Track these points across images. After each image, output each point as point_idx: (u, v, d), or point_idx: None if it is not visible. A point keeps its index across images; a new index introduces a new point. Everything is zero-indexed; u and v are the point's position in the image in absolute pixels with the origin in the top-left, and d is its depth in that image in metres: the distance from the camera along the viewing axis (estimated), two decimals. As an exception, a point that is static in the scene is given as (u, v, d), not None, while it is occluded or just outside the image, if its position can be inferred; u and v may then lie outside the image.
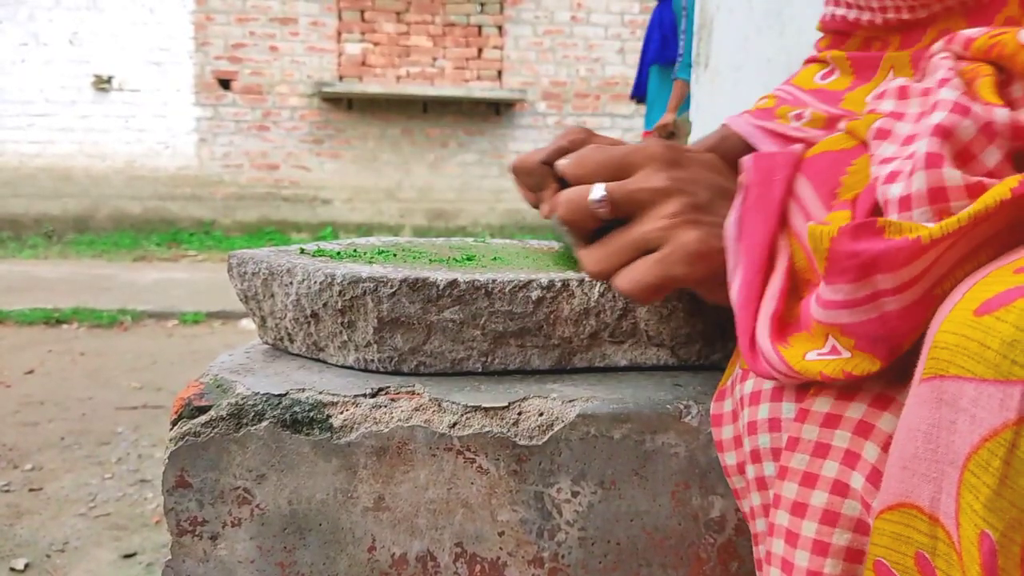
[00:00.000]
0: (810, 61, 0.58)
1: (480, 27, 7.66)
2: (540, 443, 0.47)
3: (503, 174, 7.84)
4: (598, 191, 0.44)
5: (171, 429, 0.47)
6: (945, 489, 0.26)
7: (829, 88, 0.54)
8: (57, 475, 1.94)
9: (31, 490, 1.85)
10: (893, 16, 0.51)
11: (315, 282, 0.50)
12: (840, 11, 0.54)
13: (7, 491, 1.84)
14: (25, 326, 3.78)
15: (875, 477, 0.32)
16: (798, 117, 0.51)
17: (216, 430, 0.46)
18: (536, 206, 0.56)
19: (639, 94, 4.33)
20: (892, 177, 0.34)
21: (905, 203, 0.33)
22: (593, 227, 0.46)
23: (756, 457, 0.38)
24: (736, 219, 0.41)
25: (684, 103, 3.79)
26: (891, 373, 0.33)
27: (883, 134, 0.38)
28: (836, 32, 0.56)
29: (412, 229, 7.79)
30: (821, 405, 0.34)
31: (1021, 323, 0.24)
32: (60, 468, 1.98)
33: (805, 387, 0.36)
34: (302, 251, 0.57)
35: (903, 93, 0.39)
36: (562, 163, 0.49)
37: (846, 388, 0.34)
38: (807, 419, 0.35)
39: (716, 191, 0.44)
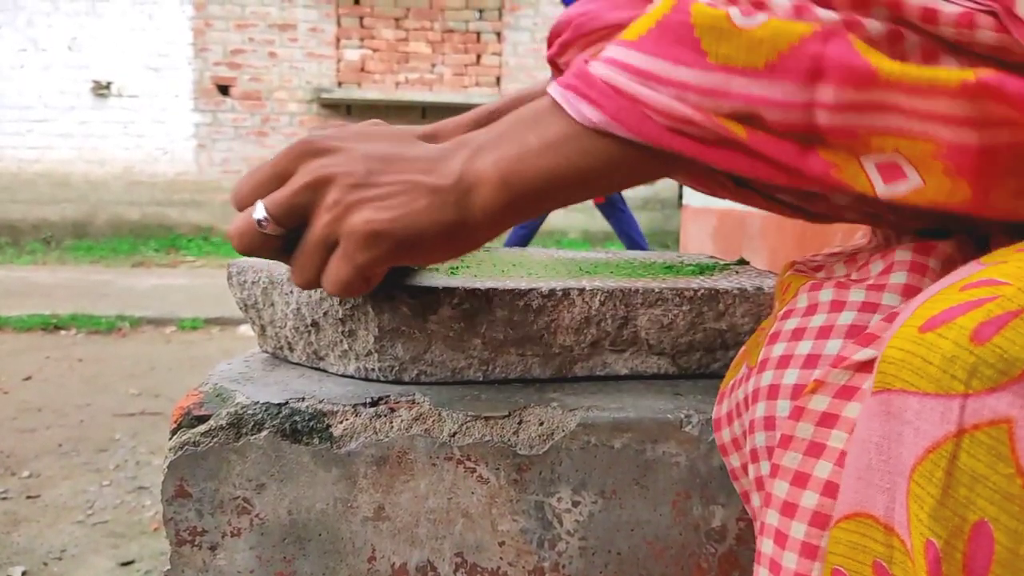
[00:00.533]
0: None
1: (479, 33, 7.67)
2: (541, 452, 0.47)
3: (502, 180, 7.83)
4: (258, 211, 0.42)
5: (170, 439, 0.47)
6: (898, 499, 0.27)
7: None
8: (55, 482, 1.93)
9: (28, 497, 1.84)
10: None
11: (316, 290, 0.49)
12: None
13: (4, 498, 1.83)
14: (23, 332, 3.77)
15: None
16: None
17: (216, 440, 0.46)
18: None
19: None
20: None
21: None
22: (277, 245, 0.44)
23: (755, 456, 0.38)
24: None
25: None
26: None
27: None
28: None
29: (411, 235, 7.77)
30: (818, 403, 0.34)
31: (961, 340, 0.25)
32: (58, 475, 1.98)
33: (802, 385, 0.36)
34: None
35: None
36: None
37: (845, 388, 0.34)
38: (802, 417, 0.34)
39: (373, 159, 0.42)
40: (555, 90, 0.40)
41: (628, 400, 0.49)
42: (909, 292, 0.37)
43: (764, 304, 0.53)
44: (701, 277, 0.58)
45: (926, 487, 0.25)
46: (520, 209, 0.41)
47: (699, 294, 0.52)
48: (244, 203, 0.44)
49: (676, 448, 0.47)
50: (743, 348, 0.45)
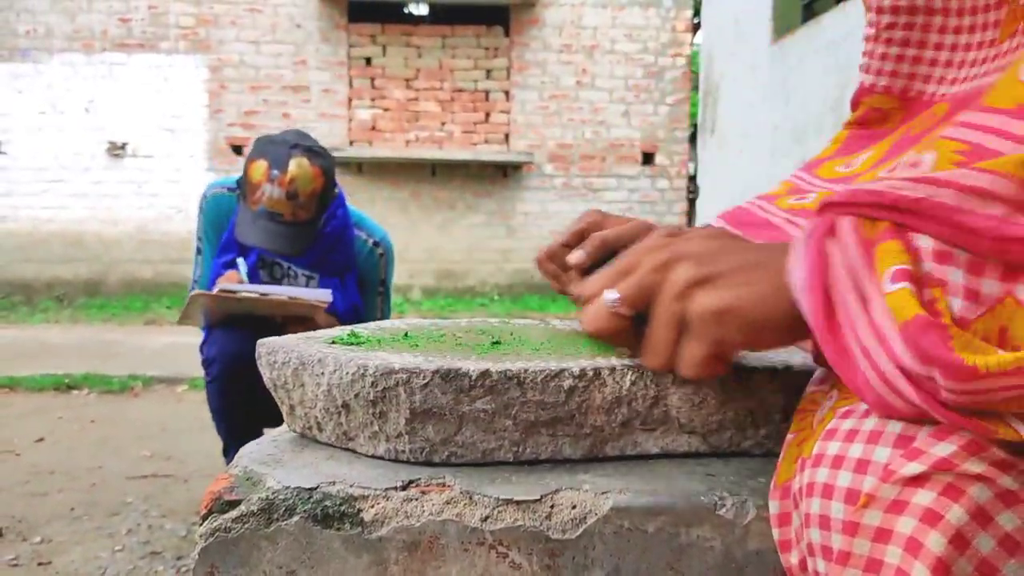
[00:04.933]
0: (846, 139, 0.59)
1: (487, 92, 7.81)
2: (573, 537, 0.46)
3: (510, 235, 7.90)
4: (610, 294, 0.47)
5: (201, 524, 0.47)
6: None
7: (849, 174, 0.55)
8: (66, 548, 1.91)
9: (39, 564, 1.82)
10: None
11: (347, 373, 0.50)
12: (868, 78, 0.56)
13: (15, 565, 1.81)
14: (35, 392, 3.78)
15: None
16: (800, 197, 0.53)
17: (247, 526, 0.46)
18: (562, 292, 0.57)
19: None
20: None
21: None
22: (624, 328, 0.48)
23: (811, 551, 0.38)
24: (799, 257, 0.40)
25: None
26: (939, 486, 0.33)
27: None
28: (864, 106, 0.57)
29: (421, 289, 7.82)
30: (871, 519, 0.34)
31: None
32: (69, 541, 1.96)
33: (855, 490, 0.36)
34: (333, 342, 0.57)
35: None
36: (573, 259, 0.54)
37: (896, 502, 0.34)
38: (858, 533, 0.34)
39: (712, 244, 0.45)
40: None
41: (661, 482, 0.49)
42: None
43: (793, 381, 0.53)
44: (728, 352, 0.58)
45: None
46: None
47: (729, 372, 0.52)
48: (593, 295, 0.48)
49: (711, 532, 0.47)
50: (790, 437, 0.44)
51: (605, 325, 0.48)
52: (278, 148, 1.78)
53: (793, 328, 0.42)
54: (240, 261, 1.85)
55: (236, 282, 1.77)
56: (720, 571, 0.47)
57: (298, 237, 1.80)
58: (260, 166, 1.77)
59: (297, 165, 1.76)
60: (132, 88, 7.52)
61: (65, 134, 7.49)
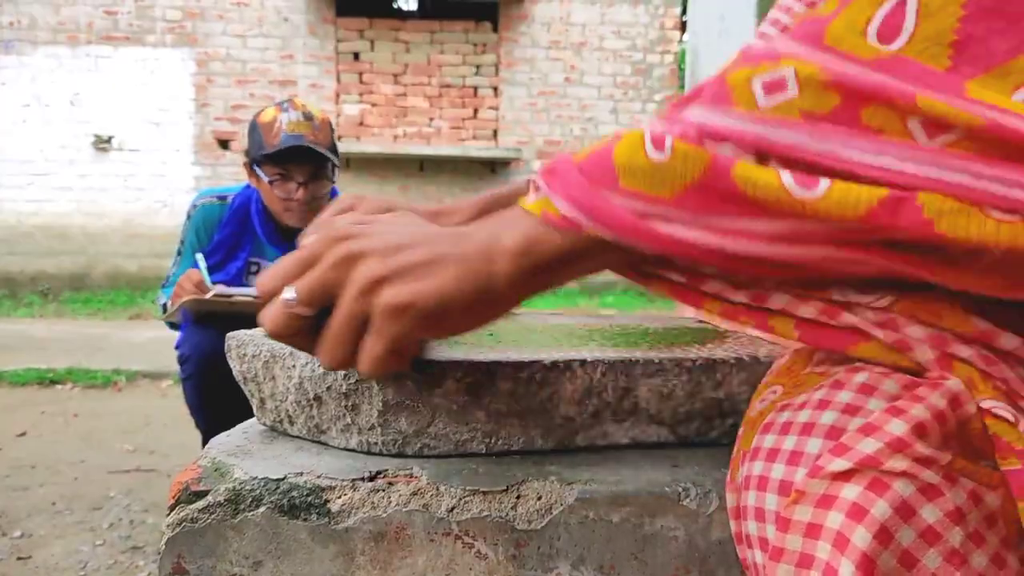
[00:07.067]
0: None
1: (476, 88, 7.79)
2: (539, 527, 0.47)
3: (499, 231, 7.87)
4: (287, 292, 0.43)
5: (168, 515, 0.47)
6: None
7: None
8: (47, 542, 1.90)
9: (19, 559, 1.81)
10: None
11: (319, 365, 0.50)
12: None
13: (-5, 559, 1.80)
14: (18, 387, 3.75)
15: None
16: None
17: (213, 516, 0.46)
18: None
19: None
20: None
21: None
22: (307, 328, 0.44)
23: (749, 543, 0.38)
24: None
25: None
26: (865, 479, 0.33)
27: None
28: None
29: (408, 286, 7.78)
30: (802, 514, 0.34)
31: None
32: (50, 535, 1.95)
33: (788, 481, 0.36)
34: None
35: None
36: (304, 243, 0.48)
37: (825, 497, 0.34)
38: (790, 529, 0.34)
39: (399, 236, 0.44)
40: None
41: (626, 472, 0.49)
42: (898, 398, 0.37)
43: (760, 372, 0.54)
44: (698, 346, 0.58)
45: None
46: (539, 279, 0.42)
47: (697, 364, 0.53)
48: (270, 290, 0.44)
49: (674, 522, 0.47)
50: (741, 431, 0.45)
51: (283, 328, 0.43)
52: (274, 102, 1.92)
53: (477, 312, 0.43)
54: (199, 257, 1.85)
55: (197, 281, 1.75)
56: (684, 560, 0.47)
57: (322, 163, 1.84)
58: (269, 110, 1.87)
59: (301, 101, 1.89)
60: (118, 81, 7.46)
61: (50, 127, 7.43)
